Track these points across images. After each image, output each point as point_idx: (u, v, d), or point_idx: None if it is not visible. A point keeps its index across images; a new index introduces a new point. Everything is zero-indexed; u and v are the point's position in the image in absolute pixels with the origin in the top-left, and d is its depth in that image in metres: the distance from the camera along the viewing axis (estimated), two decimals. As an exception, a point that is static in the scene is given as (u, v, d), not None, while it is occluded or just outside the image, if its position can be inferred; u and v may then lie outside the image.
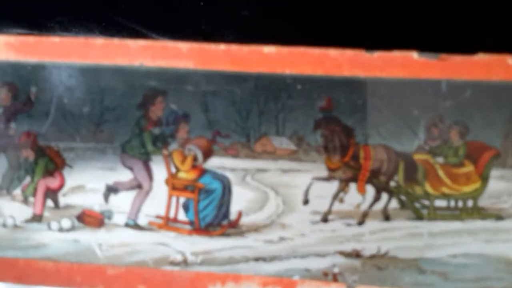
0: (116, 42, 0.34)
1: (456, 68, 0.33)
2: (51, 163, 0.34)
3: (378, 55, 0.33)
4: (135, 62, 0.34)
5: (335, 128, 0.33)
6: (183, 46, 0.33)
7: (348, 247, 0.34)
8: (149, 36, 0.44)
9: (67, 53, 0.34)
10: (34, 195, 0.35)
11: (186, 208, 0.34)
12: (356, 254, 0.34)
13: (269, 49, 0.33)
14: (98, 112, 0.34)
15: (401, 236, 0.34)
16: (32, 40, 0.34)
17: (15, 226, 0.35)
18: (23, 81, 0.34)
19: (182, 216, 0.34)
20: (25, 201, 0.35)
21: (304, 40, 0.34)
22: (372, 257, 0.34)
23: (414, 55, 0.33)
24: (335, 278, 0.34)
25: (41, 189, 0.34)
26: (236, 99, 0.33)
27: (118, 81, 0.34)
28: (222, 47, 0.33)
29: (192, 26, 0.43)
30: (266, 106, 0.33)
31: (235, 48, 0.33)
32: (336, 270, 0.34)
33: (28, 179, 0.35)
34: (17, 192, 0.35)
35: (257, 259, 0.34)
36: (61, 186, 0.34)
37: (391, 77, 0.33)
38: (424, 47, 0.34)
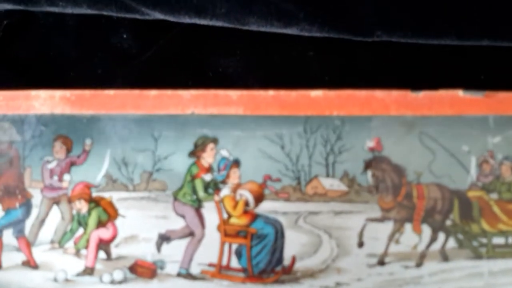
0: (169, 92, 0.35)
1: (502, 104, 0.33)
2: (104, 213, 0.35)
3: (424, 94, 0.34)
4: (187, 111, 0.35)
5: (385, 167, 0.33)
6: (233, 93, 0.34)
7: (408, 290, 0.33)
8: (139, 10, 0.44)
9: (121, 105, 0.35)
10: (86, 247, 0.34)
11: (238, 254, 0.34)
12: (417, 298, 0.33)
13: (316, 93, 0.34)
14: (151, 161, 0.35)
15: (461, 277, 0.32)
16: (87, 93, 0.35)
17: (66, 280, 0.34)
18: (78, 134, 0.35)
19: (235, 263, 0.34)
20: (77, 254, 0.34)
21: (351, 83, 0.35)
22: (433, 300, 0.32)
23: (460, 93, 0.34)
24: (396, 324, 0.32)
25: (94, 240, 0.34)
26: (286, 142, 0.34)
27: (171, 129, 0.35)
28: (271, 92, 0.34)
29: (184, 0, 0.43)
30: (315, 148, 0.34)
31: (283, 93, 0.34)
32: (396, 315, 0.32)
33: (80, 231, 0.35)
34: (69, 245, 0.35)
35: (314, 306, 0.33)
36: (114, 237, 0.34)
37: (439, 115, 0.33)
38: (468, 85, 0.35)
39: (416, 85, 0.34)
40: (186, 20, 0.45)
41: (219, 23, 0.45)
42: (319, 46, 0.45)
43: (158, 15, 0.45)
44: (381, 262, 0.33)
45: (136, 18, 0.47)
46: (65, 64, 0.50)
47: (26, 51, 0.51)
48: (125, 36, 0.49)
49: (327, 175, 0.34)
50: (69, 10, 0.47)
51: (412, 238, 0.33)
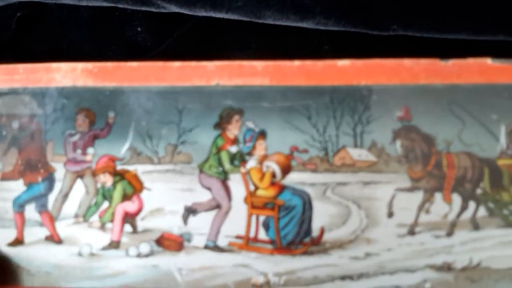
0: (193, 64, 0.34)
1: (532, 71, 0.33)
2: (129, 187, 0.34)
3: (453, 62, 0.33)
4: (211, 82, 0.34)
5: (415, 137, 0.33)
6: (258, 64, 0.34)
7: (439, 260, 0.32)
8: (155, 3, 0.44)
9: (144, 77, 0.34)
10: (111, 221, 0.34)
11: (266, 226, 0.33)
12: (448, 267, 0.32)
13: (343, 62, 0.34)
14: (176, 133, 0.34)
15: (492, 246, 0.32)
16: (110, 65, 0.35)
17: (91, 254, 0.34)
18: (101, 107, 0.34)
19: (262, 235, 0.33)
20: (102, 227, 0.34)
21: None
22: (464, 269, 0.32)
23: (489, 61, 0.33)
24: (427, 294, 0.32)
25: (119, 214, 0.34)
26: (312, 113, 0.34)
27: (195, 102, 0.34)
28: (297, 63, 0.34)
29: None
30: (342, 119, 0.33)
31: (309, 63, 0.34)
32: (427, 285, 0.32)
33: (105, 204, 0.34)
34: (94, 218, 0.34)
35: (343, 278, 0.32)
36: (139, 210, 0.34)
37: (468, 83, 0.33)
38: (496, 54, 0.35)
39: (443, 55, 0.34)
40: (202, 13, 0.45)
41: (234, 16, 0.44)
42: (334, 40, 0.45)
43: (174, 8, 0.45)
44: (411, 232, 0.33)
45: (150, 11, 0.47)
46: (78, 57, 0.49)
47: (39, 44, 0.51)
48: (139, 29, 0.49)
49: (355, 146, 0.33)
50: (84, 3, 0.47)
51: (442, 207, 0.33)
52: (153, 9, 0.45)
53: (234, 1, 0.43)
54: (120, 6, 0.46)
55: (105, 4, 0.46)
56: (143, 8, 0.45)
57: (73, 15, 0.49)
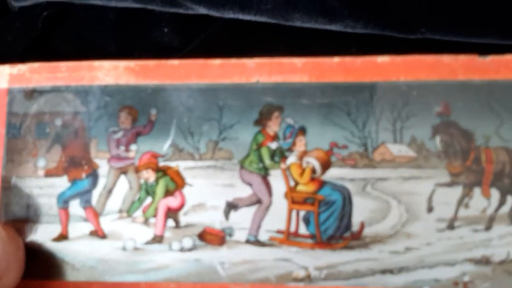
0: (233, 61, 0.35)
1: None
2: (171, 182, 0.35)
3: (491, 59, 0.33)
4: (251, 80, 0.35)
5: (454, 132, 0.33)
6: (298, 61, 0.34)
7: (477, 253, 0.33)
8: (183, 4, 0.44)
9: (185, 75, 0.35)
10: (155, 216, 0.35)
11: (306, 221, 0.34)
12: (486, 261, 0.33)
13: (382, 59, 0.34)
14: (216, 130, 0.35)
15: (531, 240, 0.33)
16: (152, 64, 0.35)
17: (135, 249, 0.35)
18: (143, 104, 0.35)
19: (303, 229, 0.34)
20: (146, 222, 0.35)
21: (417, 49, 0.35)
22: (502, 262, 0.32)
23: (527, 57, 0.33)
24: (466, 287, 0.32)
25: (162, 209, 0.35)
26: (352, 109, 0.34)
27: (235, 98, 0.35)
28: (336, 59, 0.34)
29: None
30: (382, 114, 0.34)
31: (349, 59, 0.34)
32: (466, 278, 0.33)
33: (148, 200, 0.35)
34: (138, 214, 0.35)
35: (383, 271, 0.33)
36: (182, 205, 0.35)
37: (506, 79, 0.33)
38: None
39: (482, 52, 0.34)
40: (230, 15, 0.45)
41: (262, 19, 0.45)
42: (361, 42, 0.45)
43: (202, 10, 0.45)
44: (451, 226, 0.33)
45: (177, 12, 0.47)
46: (104, 57, 0.50)
47: (64, 43, 0.51)
48: (166, 30, 0.49)
49: (395, 141, 0.34)
50: (112, 4, 0.47)
51: (481, 202, 0.33)
52: (181, 11, 0.46)
53: (263, 3, 0.43)
54: (149, 7, 0.46)
55: (133, 5, 0.47)
56: (172, 10, 0.46)
57: (99, 16, 0.50)
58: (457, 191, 0.33)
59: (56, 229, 0.35)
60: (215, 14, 0.44)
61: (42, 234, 0.35)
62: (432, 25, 0.41)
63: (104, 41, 0.49)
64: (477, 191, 0.33)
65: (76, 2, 0.48)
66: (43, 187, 0.35)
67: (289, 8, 0.42)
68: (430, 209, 0.33)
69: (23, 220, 0.35)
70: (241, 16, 0.44)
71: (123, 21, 0.49)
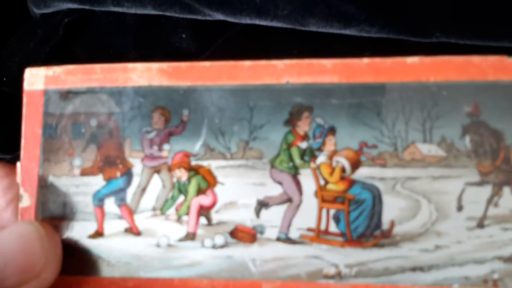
0: (263, 62, 0.35)
1: None
2: (203, 181, 0.36)
3: (521, 59, 0.34)
4: (281, 80, 0.35)
5: (483, 132, 0.34)
6: (328, 62, 0.35)
7: (506, 252, 0.33)
8: (202, 11, 0.44)
9: (217, 76, 0.36)
10: (187, 213, 0.36)
11: (336, 219, 0.35)
12: (516, 260, 0.33)
13: (412, 59, 0.34)
14: (247, 130, 0.35)
15: (562, 239, 0.33)
16: (183, 65, 0.36)
17: (169, 246, 0.35)
18: (175, 105, 0.36)
19: (333, 227, 0.35)
20: (179, 220, 0.36)
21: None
22: (533, 261, 0.33)
23: (558, 56, 0.33)
24: (495, 284, 0.33)
25: (195, 207, 0.36)
26: (381, 109, 0.34)
27: (266, 99, 0.35)
28: (366, 60, 0.35)
29: (247, 0, 0.43)
30: (411, 114, 0.34)
31: (378, 60, 0.35)
32: (495, 276, 0.33)
33: (181, 198, 0.36)
34: (171, 211, 0.36)
35: (413, 269, 0.33)
36: (214, 203, 0.35)
37: (537, 79, 0.33)
38: None
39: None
40: (247, 21, 0.45)
41: (279, 24, 0.45)
42: (376, 46, 0.45)
43: (220, 16, 0.46)
44: (480, 225, 0.33)
45: (195, 19, 0.47)
46: (123, 62, 0.50)
47: (85, 50, 0.52)
48: (184, 35, 0.50)
49: (424, 141, 0.34)
50: (133, 11, 0.48)
51: (510, 201, 0.33)
52: (199, 17, 0.47)
53: (279, 9, 0.44)
54: (168, 14, 0.47)
55: (153, 12, 0.47)
56: (190, 16, 0.47)
57: (119, 22, 0.51)
58: (487, 190, 0.33)
59: (92, 227, 0.36)
60: (232, 20, 0.45)
61: (78, 231, 0.36)
62: (447, 29, 0.41)
63: (124, 46, 0.50)
64: (506, 190, 0.33)
65: (97, 9, 0.49)
66: (79, 185, 0.36)
67: (305, 13, 0.43)
68: (460, 208, 0.34)
69: (59, 217, 0.36)
70: (258, 22, 0.44)
71: (142, 27, 0.50)
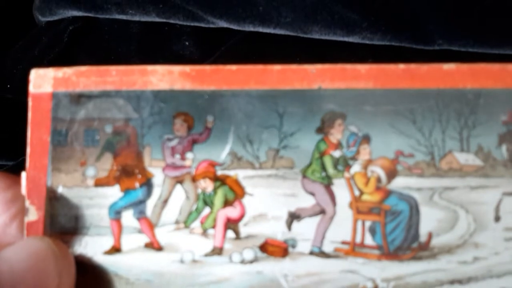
0: (294, 67, 0.34)
1: None
2: (230, 192, 0.33)
3: (557, 67, 0.33)
4: (313, 86, 0.34)
5: (520, 141, 0.33)
6: (362, 67, 0.33)
7: (545, 263, 0.32)
8: (205, 19, 0.44)
9: (244, 80, 0.34)
10: (213, 227, 0.33)
11: (372, 231, 0.33)
12: (554, 271, 0.32)
13: (449, 66, 0.33)
14: (277, 138, 0.34)
15: None
16: (208, 69, 0.34)
17: (194, 261, 0.33)
18: (199, 110, 0.34)
19: (369, 240, 0.33)
20: (204, 233, 0.33)
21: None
22: None
23: None
24: (534, 298, 0.32)
25: (222, 220, 0.33)
26: (417, 117, 0.33)
27: (296, 105, 0.34)
28: (401, 66, 0.33)
29: (250, 8, 0.43)
30: (448, 122, 0.33)
31: (414, 66, 0.33)
32: (534, 289, 0.32)
33: (207, 210, 0.34)
34: (196, 225, 0.33)
35: (452, 282, 0.32)
36: (242, 215, 0.33)
37: None
38: None
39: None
40: (250, 28, 0.45)
41: (282, 32, 0.45)
42: (378, 54, 0.45)
43: (223, 24, 0.45)
44: (518, 236, 0.33)
45: (198, 26, 0.47)
46: None
47: (89, 57, 0.52)
48: (187, 43, 0.49)
49: (462, 150, 0.33)
50: (137, 18, 0.48)
51: (548, 211, 0.33)
52: (202, 25, 0.46)
53: (282, 17, 0.43)
54: (172, 21, 0.46)
55: (157, 19, 0.47)
56: (193, 24, 0.46)
57: (123, 30, 0.51)
58: (524, 200, 0.33)
59: (108, 242, 0.33)
60: (235, 27, 0.44)
61: (93, 247, 0.33)
62: (449, 36, 0.41)
63: (127, 54, 0.50)
64: (544, 200, 0.33)
65: (101, 16, 0.48)
66: (93, 197, 0.34)
67: (308, 21, 0.42)
68: (497, 218, 0.33)
69: (71, 232, 0.33)
70: (261, 29, 0.44)
71: (146, 35, 0.50)
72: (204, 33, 0.48)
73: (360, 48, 0.44)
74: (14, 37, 0.54)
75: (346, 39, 0.43)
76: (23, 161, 0.50)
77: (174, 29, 0.48)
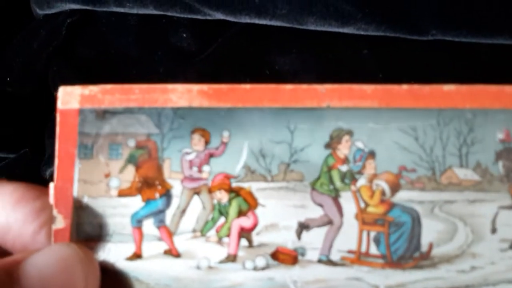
0: (304, 86, 0.36)
1: None
2: (244, 203, 0.36)
3: (551, 88, 0.35)
4: (322, 104, 0.36)
5: (516, 158, 0.35)
6: (368, 87, 0.36)
7: (538, 273, 0.35)
8: (202, 11, 0.45)
9: (258, 99, 0.36)
10: (228, 235, 0.36)
11: (377, 241, 0.35)
12: (547, 280, 0.35)
13: (449, 87, 0.36)
14: (288, 152, 0.36)
15: None
16: (224, 87, 0.36)
17: (209, 268, 0.35)
18: (216, 126, 0.36)
19: (374, 250, 0.35)
20: (220, 242, 0.36)
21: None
22: (562, 281, 0.35)
23: None
24: (528, 305, 0.34)
25: (235, 229, 0.36)
26: (420, 134, 0.36)
27: (306, 122, 0.36)
28: (405, 87, 0.36)
29: (246, 0, 0.44)
30: (448, 140, 0.35)
31: (416, 87, 0.36)
32: (528, 296, 0.34)
33: (222, 220, 0.36)
34: (211, 233, 0.36)
35: (450, 289, 0.35)
36: (255, 225, 0.36)
37: None
38: None
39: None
40: (246, 20, 0.46)
41: (277, 23, 0.46)
42: (373, 44, 0.46)
43: (220, 16, 0.46)
44: (513, 247, 0.35)
45: (196, 18, 0.48)
46: (126, 62, 0.51)
47: (87, 50, 0.52)
48: (184, 35, 0.50)
49: (461, 166, 0.35)
50: (134, 11, 0.48)
51: (541, 224, 0.35)
52: (199, 17, 0.47)
53: (278, 8, 0.44)
54: (169, 14, 0.47)
55: (154, 12, 0.48)
56: (190, 16, 0.47)
57: (120, 22, 0.51)
58: (519, 213, 0.35)
59: (130, 248, 0.36)
60: (231, 19, 0.45)
61: (115, 254, 0.36)
62: (443, 26, 0.43)
63: (125, 46, 0.50)
64: (537, 213, 0.35)
65: (99, 9, 0.49)
66: (116, 207, 0.36)
67: (303, 12, 0.44)
68: (493, 230, 0.35)
69: (95, 239, 0.36)
70: (257, 21, 0.45)
71: (144, 27, 0.50)
72: (201, 25, 0.48)
73: (355, 39, 0.45)
74: (12, 30, 0.55)
75: (341, 30, 0.44)
76: (24, 153, 0.52)
77: (171, 21, 0.49)
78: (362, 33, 0.44)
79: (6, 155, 0.53)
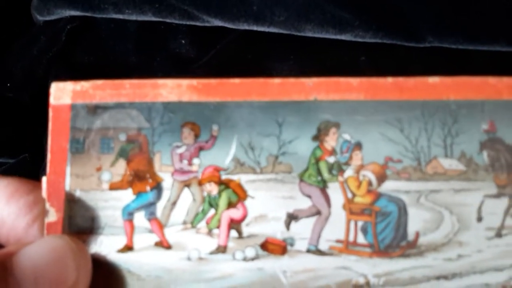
0: (292, 80, 0.37)
1: None
2: (233, 195, 0.36)
3: (533, 79, 0.36)
4: (309, 97, 0.37)
5: (499, 148, 0.36)
6: (354, 80, 0.37)
7: (524, 260, 0.35)
8: (200, 18, 0.46)
9: (246, 93, 0.37)
10: (218, 227, 0.36)
11: (364, 231, 0.36)
12: (533, 267, 0.35)
13: (433, 79, 0.36)
14: (276, 145, 0.37)
15: None
16: (214, 82, 0.37)
17: (200, 259, 0.36)
18: (205, 120, 0.37)
19: (361, 239, 0.36)
20: (210, 233, 0.36)
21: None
22: (548, 268, 0.35)
23: None
24: (514, 292, 0.35)
25: (225, 220, 0.36)
26: (405, 126, 0.36)
27: (294, 115, 0.37)
28: (390, 79, 0.37)
29: (244, 7, 0.44)
30: (433, 131, 0.36)
31: (401, 80, 0.37)
32: (514, 283, 0.35)
33: (212, 212, 0.36)
34: (202, 225, 0.36)
35: (438, 278, 0.35)
36: (244, 216, 0.36)
37: (547, 98, 0.36)
38: None
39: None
40: (245, 27, 0.47)
41: (275, 30, 0.46)
42: (371, 51, 0.47)
43: (218, 22, 0.47)
44: (498, 235, 0.35)
45: (194, 25, 0.48)
46: (125, 68, 0.51)
47: (87, 56, 0.53)
48: (183, 41, 0.50)
49: (446, 156, 0.36)
50: (133, 17, 0.49)
51: (526, 212, 0.36)
52: (198, 23, 0.48)
53: (276, 15, 0.45)
54: (168, 21, 0.48)
55: (153, 18, 0.48)
56: (189, 23, 0.48)
57: (120, 29, 0.52)
58: (504, 202, 0.36)
59: (121, 241, 0.36)
60: (230, 26, 0.46)
61: (107, 246, 0.36)
62: (440, 34, 0.43)
63: (124, 52, 0.51)
64: (522, 201, 0.36)
65: (98, 16, 0.49)
66: (108, 200, 0.37)
67: (301, 20, 0.44)
68: (479, 219, 0.36)
69: (87, 232, 0.36)
70: (255, 28, 0.46)
71: (142, 33, 0.51)
72: (200, 32, 0.49)
73: (353, 46, 0.46)
74: (12, 36, 0.56)
75: (338, 37, 0.45)
76: (24, 158, 0.53)
77: (170, 28, 0.50)
78: (359, 40, 0.45)
79: (6, 160, 0.53)
